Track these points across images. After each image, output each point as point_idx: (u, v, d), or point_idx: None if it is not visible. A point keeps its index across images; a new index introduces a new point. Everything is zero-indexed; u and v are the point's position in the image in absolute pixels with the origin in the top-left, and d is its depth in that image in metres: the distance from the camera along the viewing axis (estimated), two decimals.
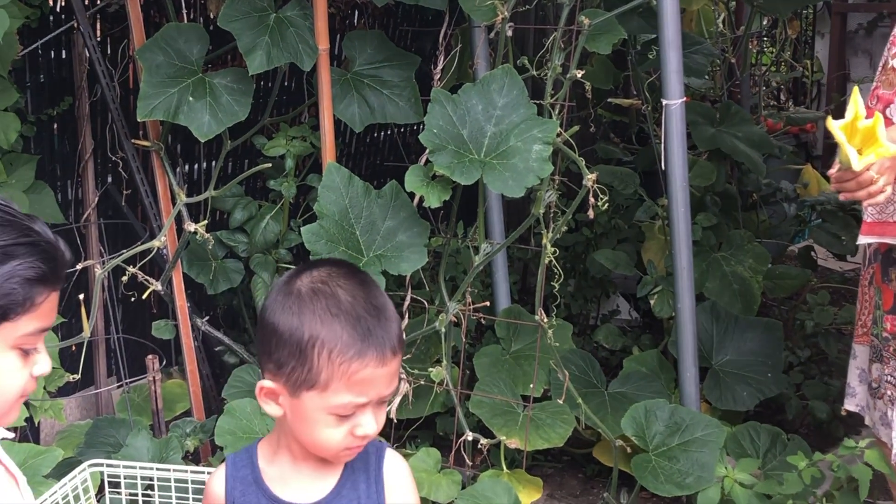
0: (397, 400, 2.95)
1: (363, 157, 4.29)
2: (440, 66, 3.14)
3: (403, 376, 2.99)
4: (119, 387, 3.42)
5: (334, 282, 1.45)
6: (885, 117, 2.45)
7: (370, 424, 1.44)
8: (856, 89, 2.13)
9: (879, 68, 2.54)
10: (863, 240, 2.48)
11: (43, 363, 1.32)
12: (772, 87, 6.63)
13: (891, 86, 2.44)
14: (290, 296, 1.44)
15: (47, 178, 3.27)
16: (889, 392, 2.56)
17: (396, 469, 1.57)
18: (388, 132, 4.31)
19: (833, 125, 2.12)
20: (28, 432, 3.13)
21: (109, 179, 3.47)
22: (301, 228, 2.85)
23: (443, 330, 2.84)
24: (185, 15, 3.30)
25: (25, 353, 1.30)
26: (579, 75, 2.82)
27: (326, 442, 1.45)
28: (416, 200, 2.94)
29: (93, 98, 3.32)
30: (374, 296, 1.47)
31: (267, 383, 1.45)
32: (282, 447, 1.53)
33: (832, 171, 2.24)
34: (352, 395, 1.41)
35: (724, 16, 5.11)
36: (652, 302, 3.50)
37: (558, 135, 2.75)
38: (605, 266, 3.70)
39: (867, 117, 2.51)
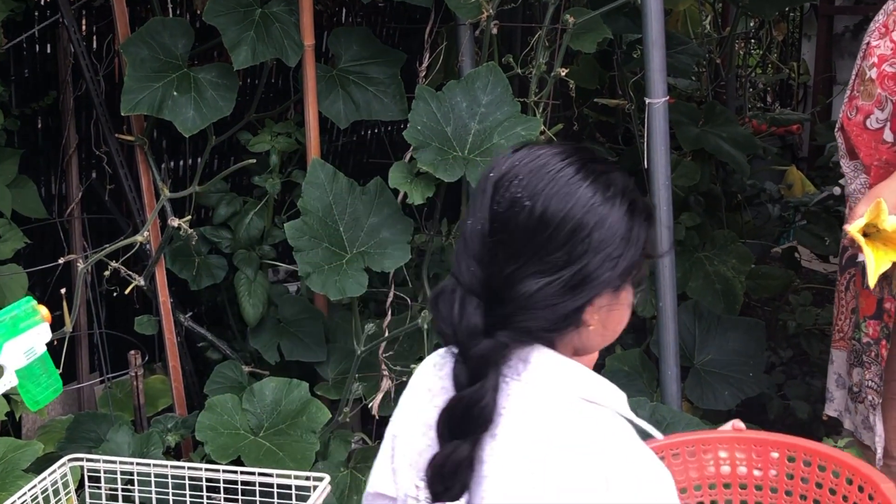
0: (379, 396, 2.95)
1: (350, 154, 4.28)
2: (425, 64, 3.14)
3: (386, 373, 2.99)
4: (101, 382, 3.42)
5: None
6: (866, 128, 2.47)
7: None
8: (883, 204, 2.13)
9: (854, 76, 2.55)
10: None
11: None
12: (758, 89, 6.66)
13: (870, 96, 2.46)
14: None
15: (31, 173, 3.26)
16: (871, 397, 2.58)
17: None
18: (376, 130, 4.30)
19: (854, 233, 2.13)
20: (9, 427, 3.12)
21: (94, 174, 3.47)
22: (284, 224, 2.85)
23: (425, 327, 2.84)
24: (170, 10, 3.29)
25: None
26: (563, 73, 2.83)
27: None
28: (400, 197, 2.95)
29: (77, 92, 3.31)
30: None
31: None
32: None
33: (848, 228, 2.21)
34: None
35: (710, 17, 5.12)
36: (635, 301, 3.50)
37: (542, 132, 2.76)
38: None
39: (846, 127, 2.54)
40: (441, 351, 1.40)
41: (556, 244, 1.24)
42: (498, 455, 1.27)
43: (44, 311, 1.70)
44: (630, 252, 1.27)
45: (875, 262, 2.10)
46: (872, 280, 2.12)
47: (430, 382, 1.37)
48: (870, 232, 2.14)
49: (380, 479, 1.45)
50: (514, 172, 1.28)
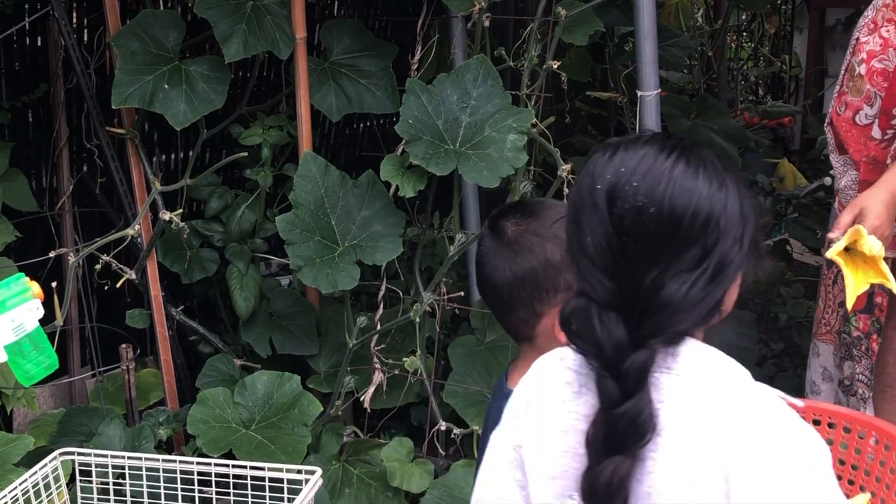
0: (371, 389, 2.95)
1: (342, 148, 4.28)
2: (417, 56, 3.14)
3: (378, 366, 2.99)
4: (93, 376, 3.41)
5: (530, 206, 1.67)
6: (855, 124, 2.47)
7: None
8: (862, 230, 2.12)
9: (843, 72, 2.55)
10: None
11: None
12: (750, 82, 6.66)
13: (859, 92, 2.46)
14: (530, 236, 1.61)
15: (21, 166, 3.25)
16: (861, 390, 2.59)
17: None
18: (368, 123, 4.30)
19: (833, 256, 2.12)
20: (0, 421, 3.12)
21: (85, 168, 3.46)
22: (276, 218, 2.84)
23: (417, 320, 2.84)
24: (161, 2, 3.28)
25: None
26: (555, 66, 2.82)
27: None
28: (392, 190, 2.94)
29: (68, 85, 3.30)
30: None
31: None
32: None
33: (827, 253, 2.20)
34: None
35: (702, 10, 5.12)
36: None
37: (534, 125, 2.76)
38: None
39: (835, 122, 2.53)
40: (557, 355, 1.38)
41: (691, 241, 1.24)
42: (663, 449, 1.26)
43: (35, 287, 1.69)
44: (748, 227, 1.29)
45: (854, 284, 2.10)
46: (850, 301, 2.12)
47: (558, 390, 1.34)
48: (851, 247, 2.14)
49: (504, 492, 1.40)
50: (625, 181, 1.26)
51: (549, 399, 1.35)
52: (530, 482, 1.36)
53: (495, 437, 1.42)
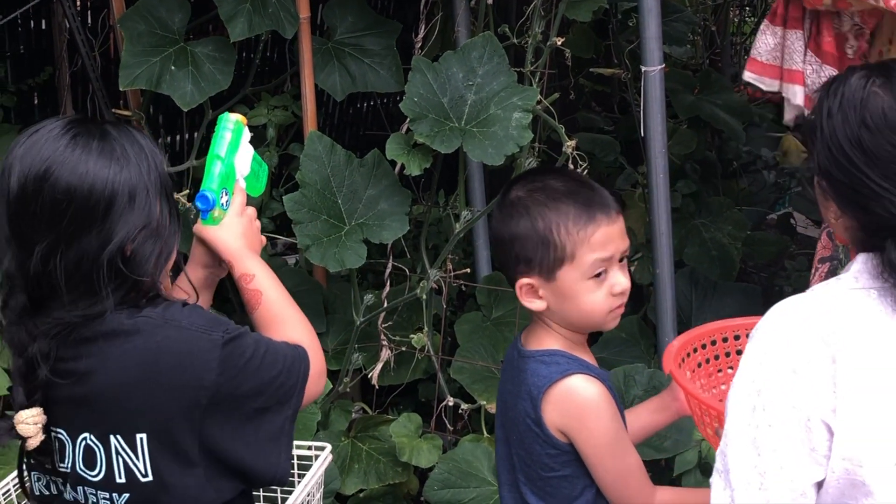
0: (379, 366, 2.98)
1: (347, 127, 4.29)
2: (421, 35, 3.14)
3: (385, 343, 3.01)
4: None
5: (543, 177, 1.72)
6: None
7: (621, 280, 1.68)
8: None
9: None
10: (748, 76, 2.55)
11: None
12: None
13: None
14: (513, 205, 1.68)
15: None
16: None
17: None
18: (372, 102, 4.31)
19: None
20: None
21: None
22: (283, 197, 2.86)
23: (424, 297, 2.86)
24: None
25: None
26: (559, 43, 2.83)
27: (592, 306, 1.67)
28: (397, 169, 2.96)
29: (73, 68, 3.31)
30: (579, 175, 1.85)
31: (525, 280, 1.67)
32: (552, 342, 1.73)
33: None
34: (596, 253, 1.64)
35: None
36: (632, 268, 3.52)
37: (538, 102, 2.77)
38: None
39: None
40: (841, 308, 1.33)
41: None
42: None
43: (237, 116, 1.78)
44: None
45: None
46: None
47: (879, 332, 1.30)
48: None
49: (795, 467, 1.29)
50: None
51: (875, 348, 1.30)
52: (850, 440, 1.27)
53: (761, 417, 1.32)
